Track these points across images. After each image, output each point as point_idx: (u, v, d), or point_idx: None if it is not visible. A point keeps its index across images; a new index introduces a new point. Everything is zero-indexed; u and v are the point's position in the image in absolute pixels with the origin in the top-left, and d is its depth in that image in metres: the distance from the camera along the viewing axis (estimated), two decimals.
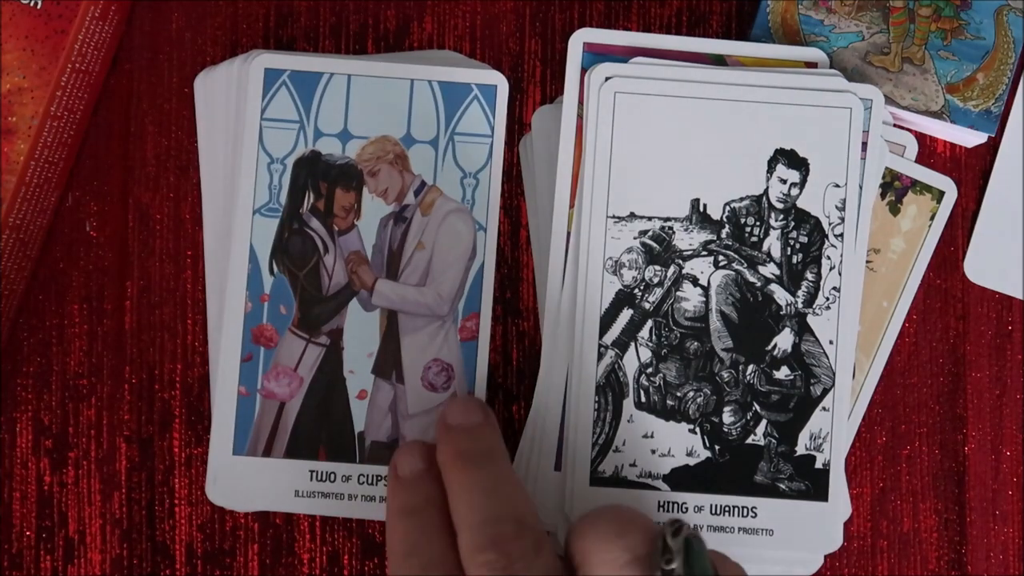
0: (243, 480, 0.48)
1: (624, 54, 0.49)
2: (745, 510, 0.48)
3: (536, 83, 0.51)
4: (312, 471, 0.48)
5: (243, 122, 0.48)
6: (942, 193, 0.50)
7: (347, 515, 0.49)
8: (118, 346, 0.50)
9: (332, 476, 0.48)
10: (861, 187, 0.48)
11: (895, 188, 0.50)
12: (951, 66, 0.50)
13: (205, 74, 0.49)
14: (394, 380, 0.48)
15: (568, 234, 0.48)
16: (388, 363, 0.48)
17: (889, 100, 0.50)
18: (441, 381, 0.48)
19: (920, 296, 0.51)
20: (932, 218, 0.50)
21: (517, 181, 0.50)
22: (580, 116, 0.48)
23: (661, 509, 0.47)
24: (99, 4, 0.48)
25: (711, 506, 0.48)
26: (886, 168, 0.50)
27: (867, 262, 0.49)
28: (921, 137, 0.51)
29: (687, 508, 0.47)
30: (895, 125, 0.51)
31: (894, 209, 0.50)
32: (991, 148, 0.52)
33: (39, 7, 0.47)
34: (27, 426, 0.50)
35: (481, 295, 0.49)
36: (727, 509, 0.48)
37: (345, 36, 0.51)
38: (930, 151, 0.52)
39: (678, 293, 0.48)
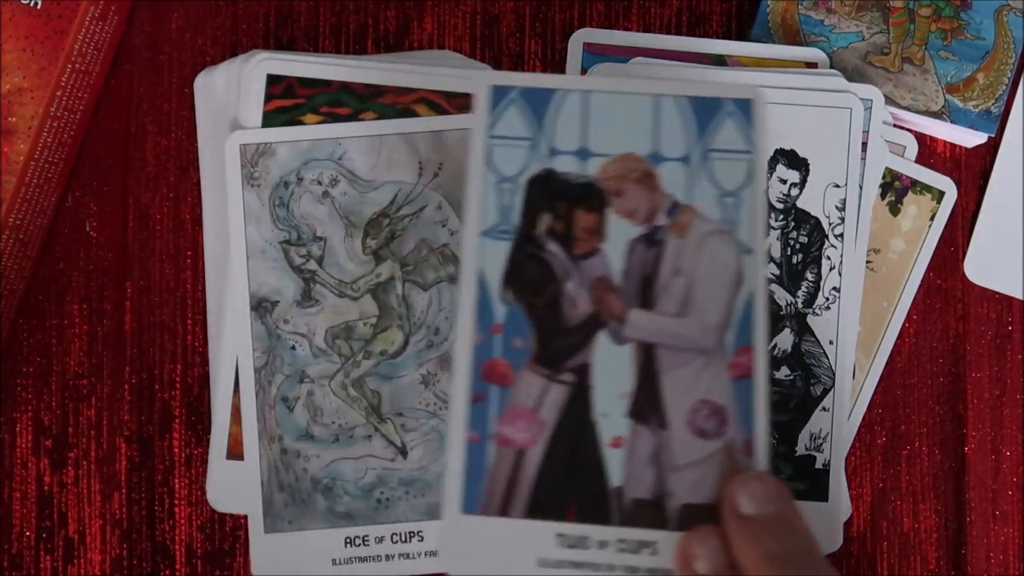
0: (474, 544, 0.41)
1: (624, 54, 0.48)
2: None
3: None
4: (560, 535, 0.41)
5: (470, 142, 0.43)
6: (942, 193, 0.50)
7: None
8: (118, 346, 0.50)
9: (584, 541, 0.41)
10: (861, 187, 0.48)
11: (895, 188, 0.50)
12: (951, 66, 0.50)
13: (205, 74, 0.49)
14: (655, 425, 0.42)
15: None
16: (647, 405, 0.42)
17: (889, 100, 0.50)
18: (713, 426, 0.41)
19: (920, 296, 0.51)
20: (932, 218, 0.50)
21: None
22: None
23: None
24: (99, 4, 0.48)
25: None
26: (886, 168, 0.50)
27: (867, 262, 0.49)
28: (921, 137, 0.51)
29: None
30: (895, 125, 0.51)
31: (894, 209, 0.50)
32: (991, 148, 0.52)
33: (39, 7, 0.47)
34: (27, 426, 0.50)
35: (752, 326, 0.42)
36: None
37: (345, 36, 0.51)
38: (930, 151, 0.52)
39: None
